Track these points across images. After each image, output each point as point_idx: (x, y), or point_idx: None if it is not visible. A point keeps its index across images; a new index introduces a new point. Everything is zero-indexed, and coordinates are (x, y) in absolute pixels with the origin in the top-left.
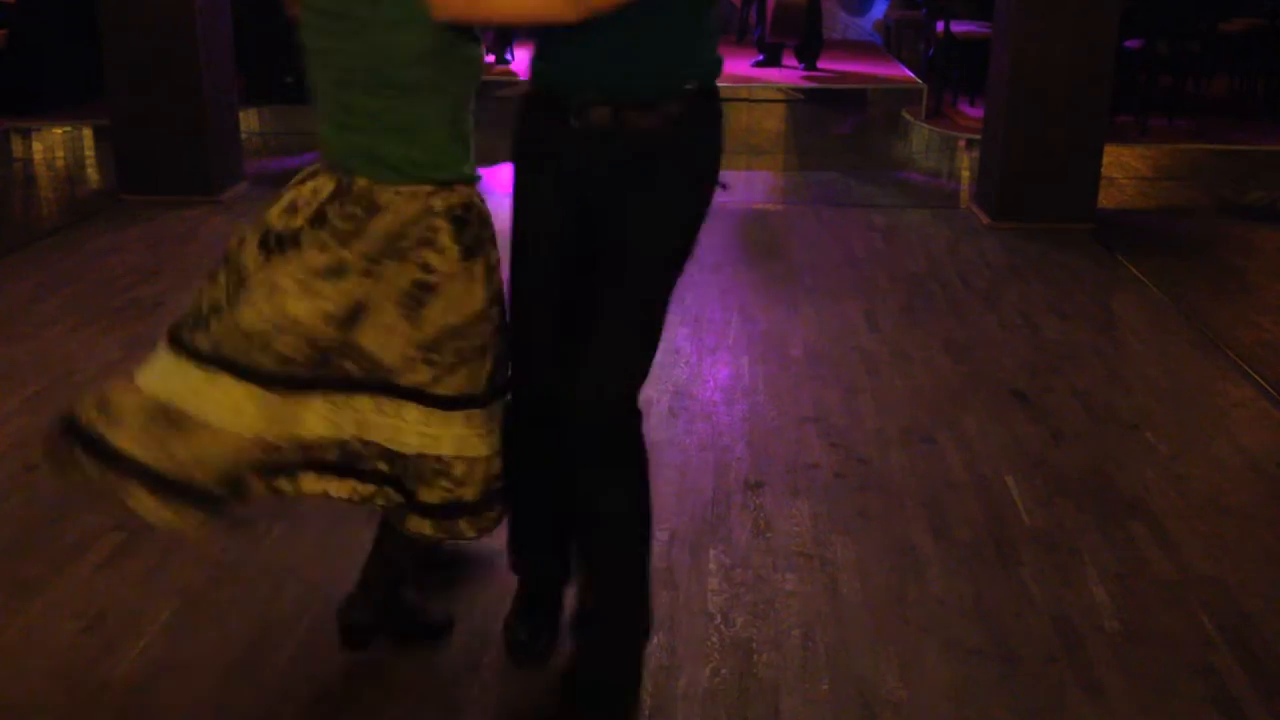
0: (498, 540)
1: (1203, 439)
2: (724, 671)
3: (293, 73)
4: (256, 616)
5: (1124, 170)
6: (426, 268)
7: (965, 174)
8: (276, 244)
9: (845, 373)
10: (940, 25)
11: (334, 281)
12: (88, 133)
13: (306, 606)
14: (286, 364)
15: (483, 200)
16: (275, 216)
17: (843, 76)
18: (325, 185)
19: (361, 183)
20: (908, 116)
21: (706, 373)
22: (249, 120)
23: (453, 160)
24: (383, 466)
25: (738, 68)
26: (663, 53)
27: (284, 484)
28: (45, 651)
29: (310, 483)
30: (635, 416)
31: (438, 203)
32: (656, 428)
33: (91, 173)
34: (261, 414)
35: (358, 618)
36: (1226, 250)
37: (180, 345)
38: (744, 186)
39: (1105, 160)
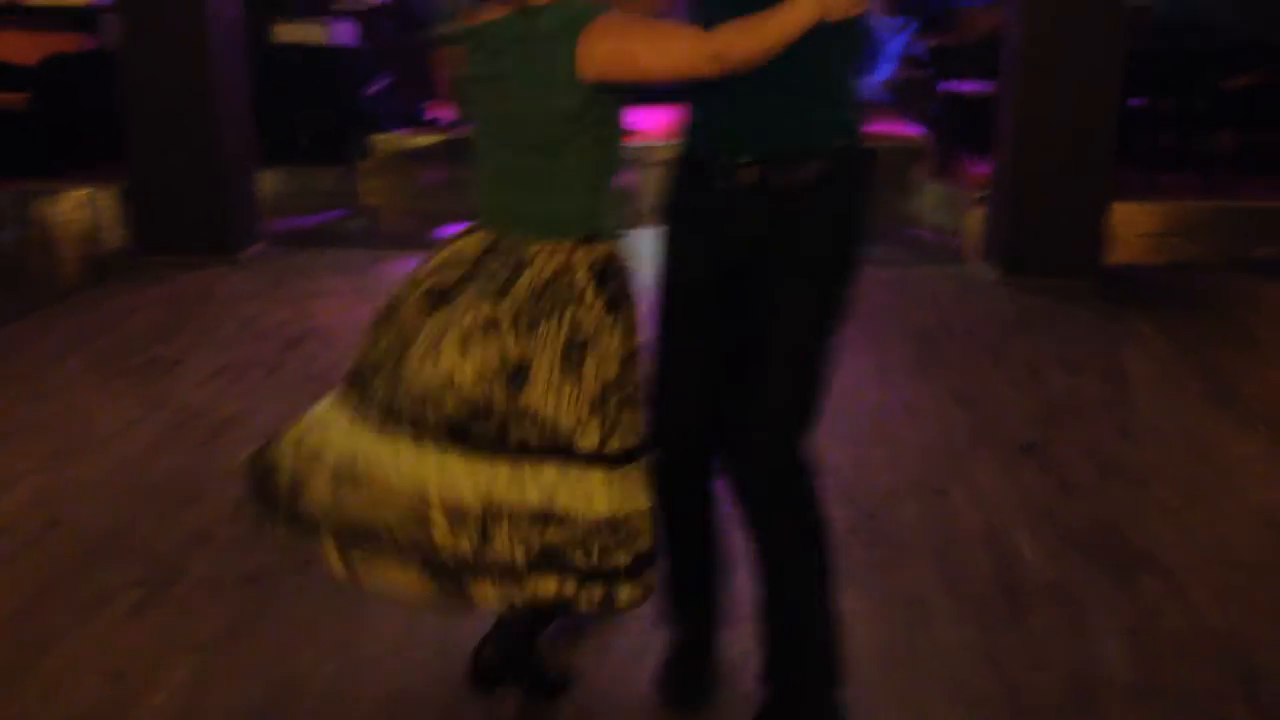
0: None
1: (1213, 492)
2: None
3: (308, 133)
4: (274, 672)
5: (1131, 226)
6: (575, 325)
7: (973, 230)
8: (435, 300)
9: (855, 427)
10: (946, 85)
11: (489, 338)
12: (107, 194)
13: (323, 662)
14: (452, 423)
15: (624, 255)
16: (428, 273)
17: None
18: (476, 242)
19: (510, 240)
20: (915, 173)
21: None
22: (266, 181)
23: (594, 216)
24: (579, 557)
25: None
26: (807, 111)
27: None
28: (65, 706)
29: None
30: (805, 466)
31: (580, 257)
32: None
33: (110, 233)
34: (441, 473)
35: (489, 658)
36: (1235, 305)
37: (350, 397)
38: None
39: (1113, 216)
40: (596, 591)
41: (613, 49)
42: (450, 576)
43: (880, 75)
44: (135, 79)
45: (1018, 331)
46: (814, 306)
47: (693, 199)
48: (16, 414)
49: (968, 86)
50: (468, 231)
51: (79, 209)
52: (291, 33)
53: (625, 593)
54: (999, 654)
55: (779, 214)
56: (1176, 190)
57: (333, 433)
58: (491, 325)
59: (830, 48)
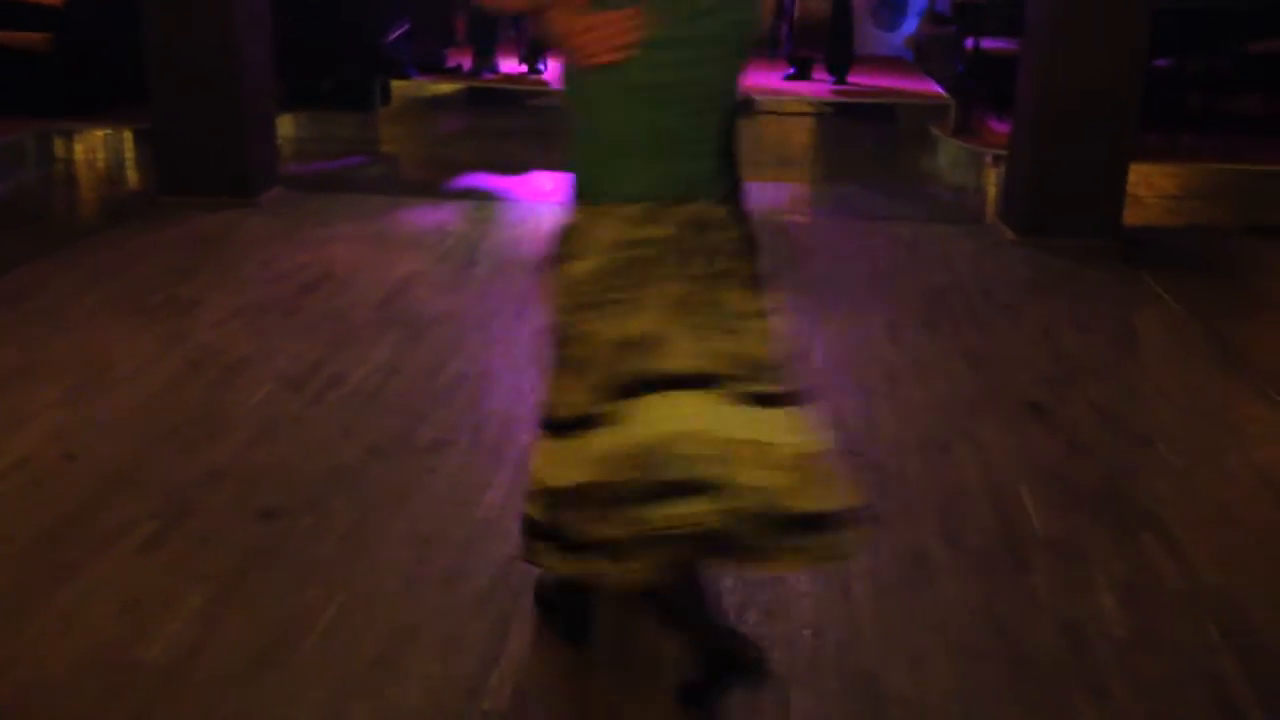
0: None
1: (1217, 454)
2: None
3: (329, 79)
4: (285, 604)
5: (1151, 188)
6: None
7: (992, 189)
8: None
9: (865, 382)
10: (970, 42)
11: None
12: (128, 135)
13: (333, 595)
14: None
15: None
16: (610, 279)
17: (872, 91)
18: (670, 221)
19: (709, 207)
20: (936, 131)
21: None
22: (286, 125)
23: (728, 171)
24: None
25: (768, 81)
26: None
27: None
28: (81, 634)
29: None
30: None
31: (723, 211)
32: None
33: (131, 174)
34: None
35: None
36: (1251, 269)
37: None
38: (771, 197)
39: (1132, 178)
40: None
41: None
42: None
43: (903, 31)
44: (159, 21)
45: (1032, 291)
46: None
47: None
48: (36, 350)
49: (991, 44)
50: (602, 214)
51: (100, 149)
52: None
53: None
54: (998, 608)
55: None
56: (1198, 153)
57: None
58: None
59: None
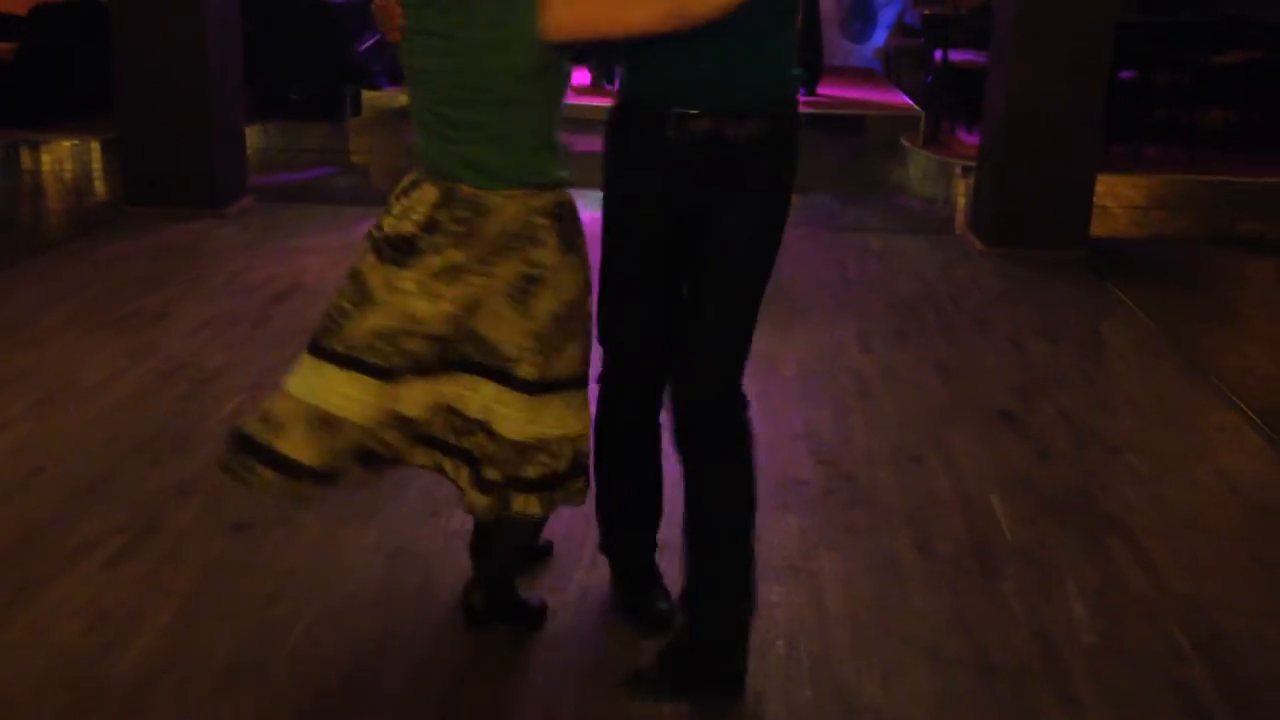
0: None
1: (1184, 461)
2: None
3: (298, 90)
4: (254, 619)
5: (1117, 199)
6: (532, 262)
7: (961, 200)
8: (391, 250)
9: (836, 392)
10: (939, 54)
11: (451, 282)
12: (95, 145)
13: (303, 609)
14: (413, 358)
15: (572, 198)
16: (387, 225)
17: (842, 102)
18: (430, 193)
19: (466, 189)
20: (905, 143)
21: None
22: (254, 136)
23: (548, 165)
24: (484, 442)
25: None
26: (756, 68)
27: (399, 452)
28: (48, 649)
29: (420, 456)
30: (741, 401)
31: (536, 203)
32: None
33: (99, 184)
34: (380, 401)
35: (476, 601)
36: (1216, 279)
37: (319, 351)
38: None
39: (1099, 189)
40: (494, 474)
41: (576, 11)
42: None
43: (873, 43)
44: (126, 30)
45: (1000, 301)
46: (756, 253)
47: (643, 146)
48: (3, 363)
49: (960, 56)
50: (414, 184)
51: (68, 160)
52: None
53: (520, 501)
54: (969, 616)
55: (725, 164)
56: (1163, 164)
57: (303, 377)
58: (454, 269)
59: (770, 14)
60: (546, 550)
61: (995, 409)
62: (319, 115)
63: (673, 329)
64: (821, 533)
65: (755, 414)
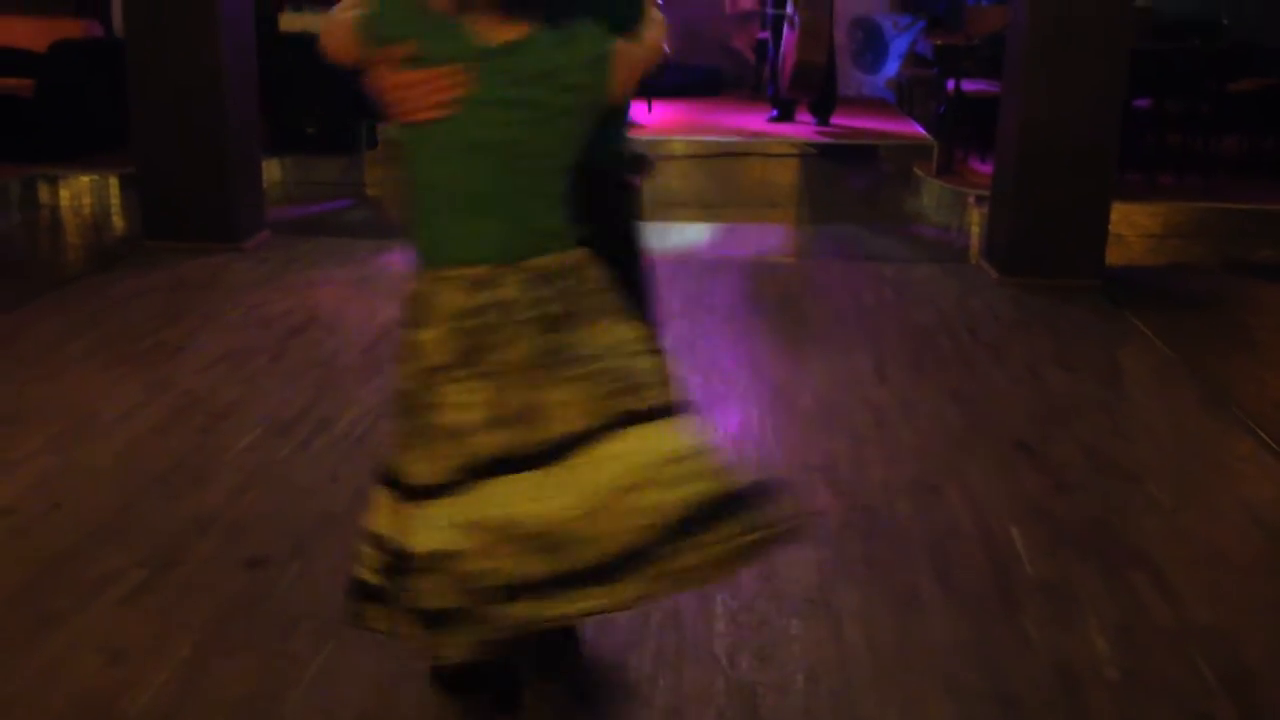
0: None
1: (1205, 492)
2: (729, 714)
3: (315, 124)
4: (272, 653)
5: (1133, 227)
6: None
7: (975, 229)
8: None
9: (853, 423)
10: (951, 84)
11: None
12: (113, 180)
13: (320, 644)
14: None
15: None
16: (454, 349)
17: (855, 132)
18: (512, 281)
19: (550, 260)
20: (919, 172)
21: (716, 421)
22: (271, 170)
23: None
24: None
25: (752, 123)
26: None
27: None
28: (67, 684)
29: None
30: None
31: (583, 255)
32: None
33: (117, 219)
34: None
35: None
36: (1234, 307)
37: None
38: (756, 239)
39: (1114, 217)
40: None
41: (632, 71)
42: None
43: (885, 74)
44: (143, 66)
45: (1017, 331)
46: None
47: None
48: (21, 398)
49: (972, 86)
50: (481, 283)
51: (85, 195)
52: (297, 21)
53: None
54: (990, 649)
55: None
56: (1178, 192)
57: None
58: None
59: None
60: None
61: (1013, 439)
62: (335, 149)
63: None
64: (840, 565)
65: (772, 444)
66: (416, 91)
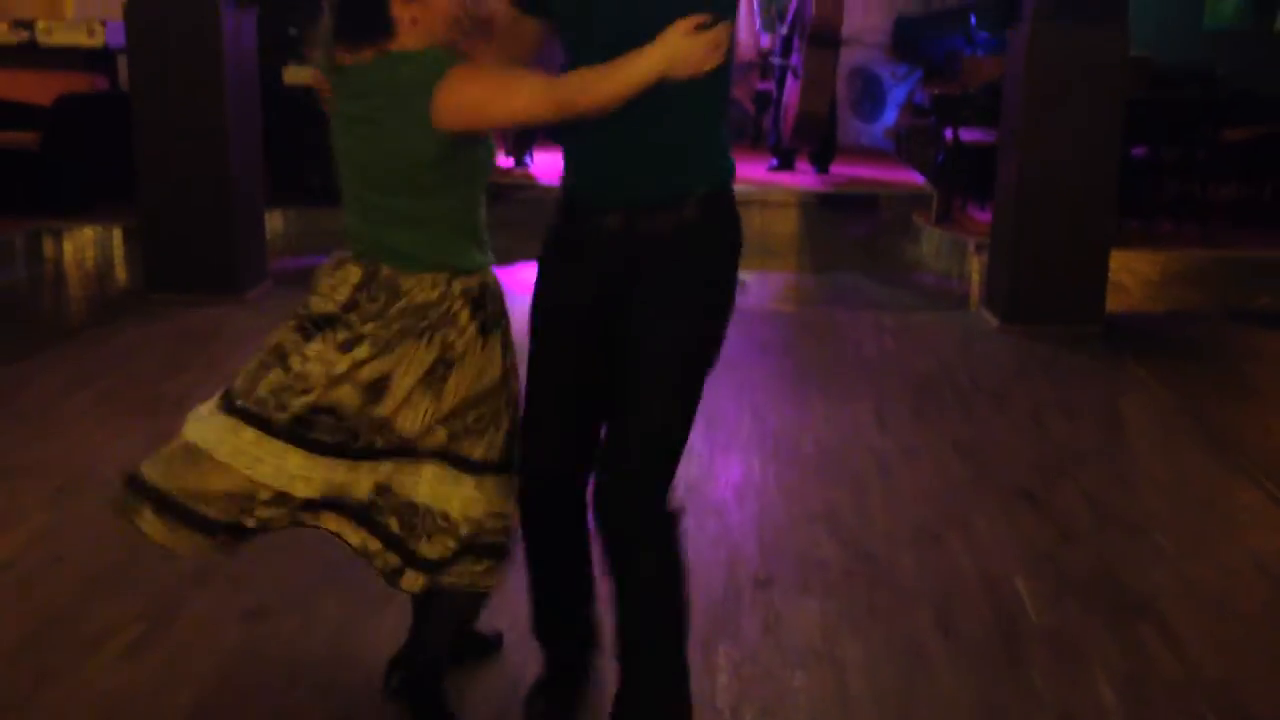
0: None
1: (1211, 541)
2: None
3: (318, 175)
4: (272, 705)
5: (1132, 274)
6: (447, 345)
7: (975, 277)
8: (313, 326)
9: (855, 471)
10: (949, 133)
11: (348, 351)
12: (117, 233)
13: (322, 695)
14: (305, 426)
15: (497, 281)
16: (313, 304)
17: (855, 181)
18: (354, 272)
19: (386, 270)
20: (918, 220)
21: (718, 470)
22: (274, 220)
23: (465, 250)
24: (394, 524)
25: (752, 172)
26: (671, 160)
27: (301, 517)
28: None
29: (330, 520)
30: (667, 505)
31: (456, 286)
32: None
33: (120, 272)
34: (276, 466)
35: (394, 682)
36: (1235, 355)
37: (220, 400)
38: (757, 287)
39: (1114, 264)
40: (392, 559)
41: (462, 99)
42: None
43: (884, 123)
44: (148, 119)
45: (1018, 378)
46: (679, 348)
47: (566, 233)
48: (23, 451)
49: (970, 134)
50: (340, 263)
51: (89, 247)
52: (301, 74)
53: (408, 578)
54: (996, 701)
55: (644, 256)
56: (1176, 239)
57: (196, 420)
58: (353, 341)
59: (691, 98)
60: (495, 643)
61: (1016, 487)
62: (337, 199)
63: (597, 426)
64: (843, 616)
65: (774, 492)
66: (318, 87)
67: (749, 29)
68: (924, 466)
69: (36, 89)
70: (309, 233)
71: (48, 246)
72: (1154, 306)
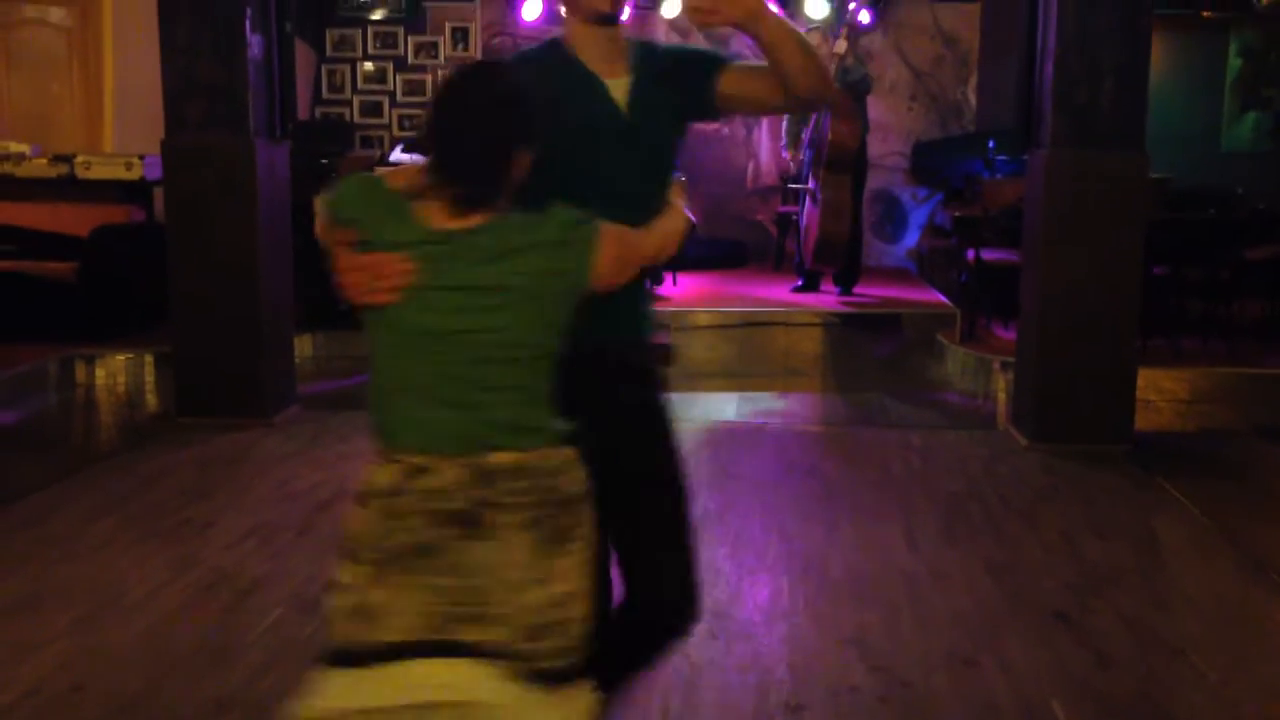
0: None
1: (1250, 662)
2: None
3: (346, 301)
4: None
5: (1160, 393)
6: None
7: (1001, 395)
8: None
9: (885, 593)
10: (971, 253)
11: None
12: (149, 359)
13: None
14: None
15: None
16: (376, 537)
17: (878, 301)
18: (452, 473)
19: (506, 456)
20: (943, 340)
21: (746, 593)
22: (302, 345)
23: (551, 415)
24: None
25: (776, 293)
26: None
27: None
28: None
29: None
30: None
31: (564, 457)
32: (695, 649)
33: (150, 397)
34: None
35: None
36: (1267, 473)
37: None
38: (782, 408)
39: (1141, 383)
40: None
41: (618, 254)
42: None
43: (906, 243)
44: (182, 248)
45: (1048, 498)
46: (675, 472)
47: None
48: (48, 577)
49: (992, 254)
50: (416, 471)
51: (121, 373)
52: None
53: None
54: None
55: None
56: (1203, 357)
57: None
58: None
59: None
60: None
61: (1050, 609)
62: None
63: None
64: None
65: (803, 616)
66: (363, 276)
67: (773, 152)
68: (956, 588)
69: (74, 220)
70: (337, 356)
71: (80, 372)
72: (1183, 424)
